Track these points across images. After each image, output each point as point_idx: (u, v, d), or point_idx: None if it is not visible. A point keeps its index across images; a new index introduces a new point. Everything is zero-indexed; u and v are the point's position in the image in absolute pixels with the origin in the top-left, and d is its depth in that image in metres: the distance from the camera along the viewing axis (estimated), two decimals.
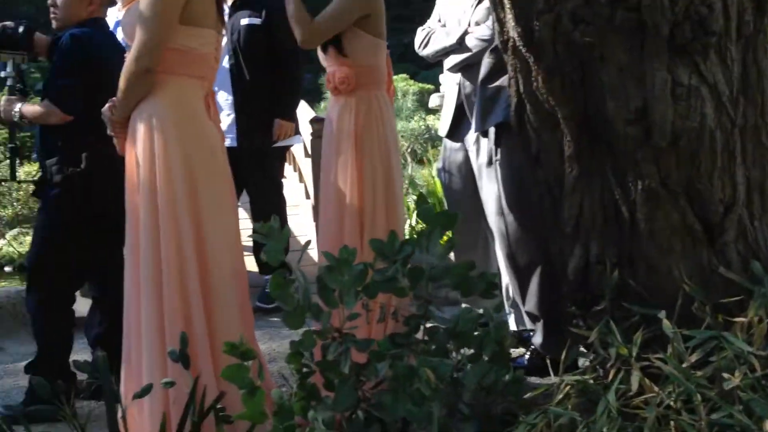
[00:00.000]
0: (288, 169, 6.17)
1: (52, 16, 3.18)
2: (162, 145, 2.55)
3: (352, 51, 3.00)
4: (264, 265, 4.79)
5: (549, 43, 2.02)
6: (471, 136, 3.47)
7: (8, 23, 3.23)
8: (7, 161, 12.17)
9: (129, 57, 2.55)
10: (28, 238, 9.95)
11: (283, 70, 4.38)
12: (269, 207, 4.51)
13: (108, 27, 3.44)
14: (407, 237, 3.16)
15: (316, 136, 5.02)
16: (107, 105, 2.69)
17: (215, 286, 2.62)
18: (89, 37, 3.10)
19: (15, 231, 10.23)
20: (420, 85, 13.81)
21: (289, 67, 4.38)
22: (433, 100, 11.81)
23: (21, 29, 3.17)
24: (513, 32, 2.12)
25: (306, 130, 5.56)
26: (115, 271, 3.44)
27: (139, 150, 2.60)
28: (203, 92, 2.69)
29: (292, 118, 4.51)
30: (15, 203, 9.95)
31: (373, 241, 1.51)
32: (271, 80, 4.40)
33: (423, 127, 11.02)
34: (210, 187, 2.64)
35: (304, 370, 1.63)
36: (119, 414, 1.98)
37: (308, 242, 1.76)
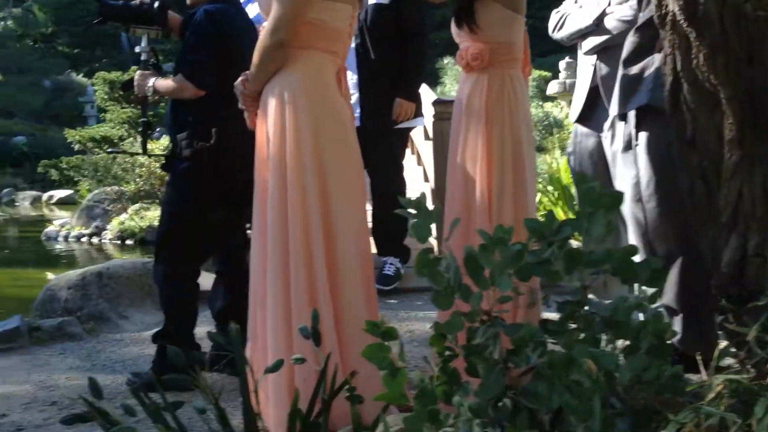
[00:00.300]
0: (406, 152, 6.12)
1: None
2: (293, 120, 2.53)
3: (486, 25, 2.86)
4: (382, 246, 4.77)
5: (715, 17, 1.86)
6: (606, 121, 3.32)
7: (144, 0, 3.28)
8: (130, 138, 12.62)
9: (264, 30, 2.54)
10: (149, 213, 10.32)
11: (409, 51, 4.32)
12: (390, 188, 4.48)
13: (240, 3, 3.45)
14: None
15: (438, 118, 4.94)
16: (240, 79, 2.69)
17: (341, 264, 2.59)
18: (222, 13, 3.12)
19: (137, 206, 10.61)
20: (537, 71, 13.55)
21: (415, 48, 4.31)
22: (552, 87, 11.56)
23: (156, 5, 3.22)
24: (673, 5, 1.97)
25: (428, 112, 5.49)
26: (239, 246, 3.48)
27: (269, 124, 2.58)
28: (335, 67, 2.65)
29: (414, 99, 4.45)
30: (138, 179, 10.31)
31: (529, 220, 1.42)
32: (396, 60, 4.35)
33: (541, 114, 10.79)
34: (339, 164, 2.61)
35: (447, 353, 1.56)
36: (252, 387, 1.96)
37: (457, 219, 1.69)
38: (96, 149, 12.96)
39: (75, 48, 30.14)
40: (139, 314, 4.46)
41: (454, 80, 12.17)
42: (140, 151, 3.42)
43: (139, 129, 3.43)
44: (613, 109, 3.09)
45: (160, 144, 10.67)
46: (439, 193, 4.89)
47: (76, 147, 13.55)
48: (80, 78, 26.25)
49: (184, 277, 3.29)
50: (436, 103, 5.00)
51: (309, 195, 2.52)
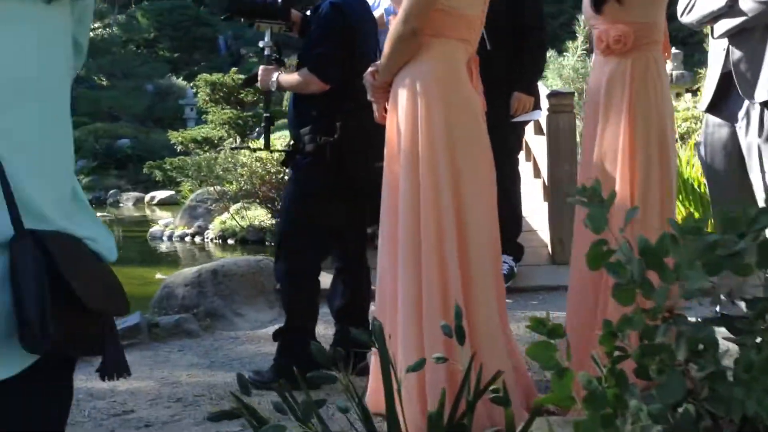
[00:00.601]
0: None
1: None
2: (425, 111, 2.46)
3: (630, 3, 2.61)
4: None
5: None
6: (741, 109, 3.13)
7: None
8: (230, 139, 12.77)
9: (396, 19, 2.48)
10: (250, 213, 10.45)
11: (527, 43, 4.18)
12: (503, 183, 4.35)
13: None
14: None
15: (553, 111, 4.79)
16: (369, 70, 2.63)
17: (473, 257, 2.51)
18: (348, 5, 3.08)
19: (238, 205, 10.76)
20: None
21: (534, 41, 4.17)
22: None
23: (279, 0, 3.20)
24: None
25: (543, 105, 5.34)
26: (359, 242, 3.44)
27: (400, 116, 2.52)
28: (467, 56, 2.57)
29: (532, 92, 4.31)
30: (239, 179, 10.45)
31: (720, 211, 1.30)
32: (513, 52, 4.22)
33: None
34: (471, 157, 2.53)
35: (616, 353, 1.45)
36: (395, 387, 1.89)
37: (635, 208, 1.58)
38: (198, 150, 13.24)
39: (175, 52, 30.98)
40: (253, 312, 4.47)
41: (555, 74, 11.89)
42: (262, 147, 3.40)
43: (262, 124, 3.39)
44: (760, 95, 2.90)
45: (260, 143, 10.80)
46: (553, 189, 4.75)
47: (179, 148, 13.90)
48: (180, 81, 26.95)
49: (305, 274, 3.26)
50: (551, 96, 4.84)
51: (442, 190, 2.44)
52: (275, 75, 3.21)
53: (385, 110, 2.65)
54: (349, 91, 3.10)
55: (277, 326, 4.32)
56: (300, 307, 3.26)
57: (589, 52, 11.47)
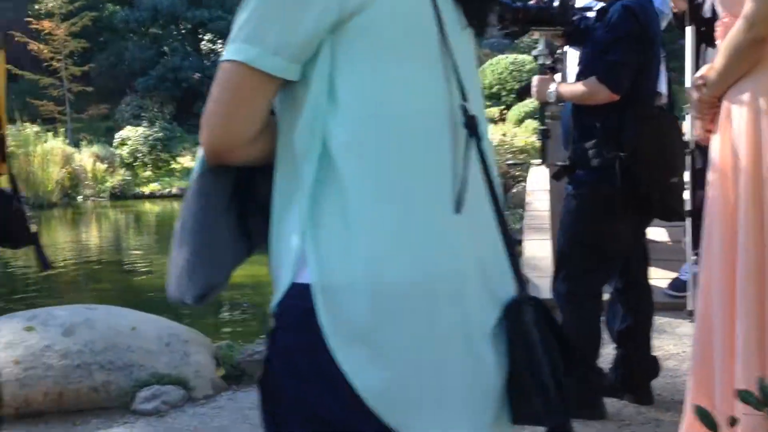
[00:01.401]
0: None
1: None
2: None
3: None
4: None
5: None
6: None
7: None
8: None
9: (736, 26, 2.19)
10: None
11: None
12: None
13: None
14: None
15: None
16: (696, 81, 2.37)
17: None
18: (642, 9, 2.81)
19: None
20: None
21: None
22: None
23: (556, 3, 2.97)
24: None
25: None
26: (642, 262, 3.19)
27: (736, 134, 2.24)
28: None
29: None
30: None
31: None
32: None
33: None
34: None
35: None
36: None
37: None
38: None
39: None
40: None
41: None
42: (539, 160, 3.21)
43: (539, 138, 3.19)
44: None
45: None
46: None
47: None
48: None
49: (587, 296, 3.04)
50: None
51: None
52: (553, 86, 2.99)
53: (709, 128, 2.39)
54: (639, 100, 2.85)
55: None
56: (581, 331, 3.05)
57: None
